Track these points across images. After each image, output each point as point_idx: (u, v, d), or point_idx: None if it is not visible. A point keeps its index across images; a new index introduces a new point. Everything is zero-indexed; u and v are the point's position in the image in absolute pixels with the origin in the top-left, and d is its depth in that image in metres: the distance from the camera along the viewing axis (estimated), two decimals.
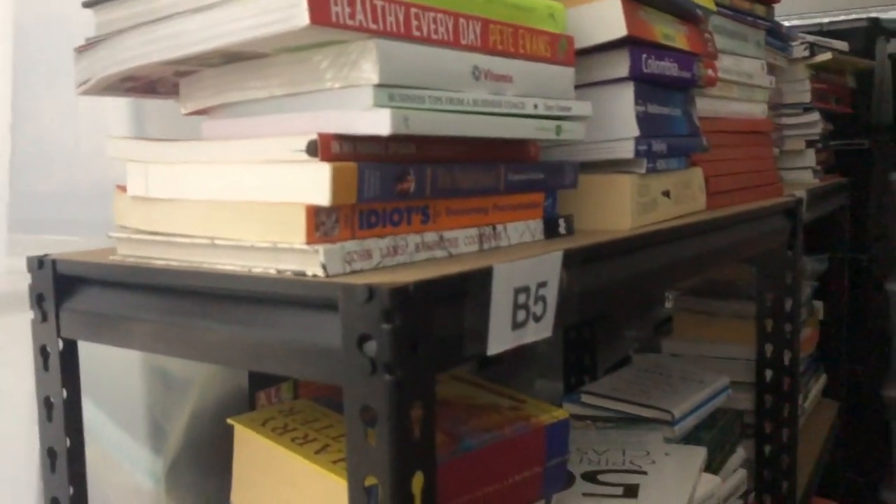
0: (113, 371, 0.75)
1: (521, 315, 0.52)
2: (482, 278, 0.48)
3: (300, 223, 0.47)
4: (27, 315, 0.64)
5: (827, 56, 1.57)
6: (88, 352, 0.64)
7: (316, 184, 0.46)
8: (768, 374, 1.16)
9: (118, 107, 0.76)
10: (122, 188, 0.58)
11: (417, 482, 0.44)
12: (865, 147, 2.24)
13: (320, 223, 0.47)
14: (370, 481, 0.43)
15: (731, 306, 1.33)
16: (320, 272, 0.46)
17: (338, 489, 0.53)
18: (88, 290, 0.58)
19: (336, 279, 0.46)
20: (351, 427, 0.44)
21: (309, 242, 0.46)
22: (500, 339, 0.50)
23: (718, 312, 1.34)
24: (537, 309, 0.54)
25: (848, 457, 2.13)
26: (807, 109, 1.57)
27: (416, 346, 0.43)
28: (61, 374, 0.60)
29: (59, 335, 0.59)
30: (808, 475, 1.44)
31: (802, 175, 1.59)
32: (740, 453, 1.12)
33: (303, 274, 0.47)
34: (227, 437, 0.78)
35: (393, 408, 0.42)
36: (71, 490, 0.61)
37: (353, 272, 0.48)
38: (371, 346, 0.43)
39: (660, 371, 1.16)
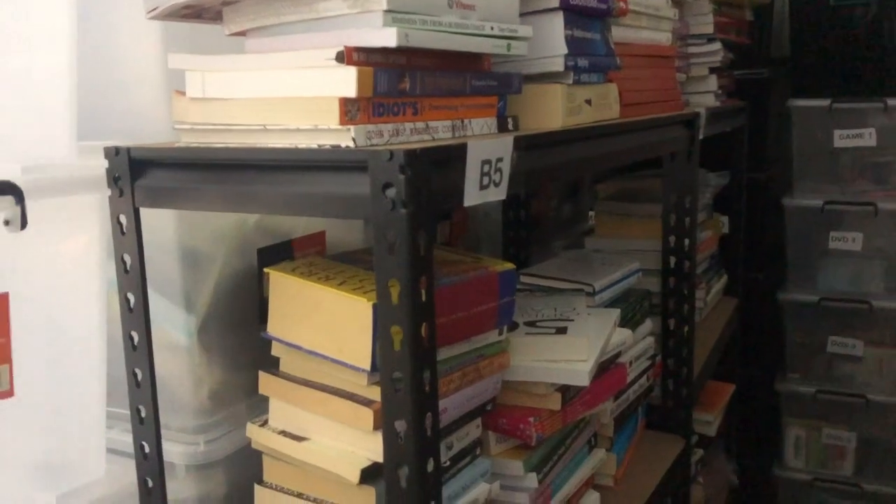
0: (153, 252, 0.92)
1: (486, 180, 0.73)
2: (461, 150, 0.69)
3: (334, 110, 0.66)
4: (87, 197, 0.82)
5: None
6: None
7: (345, 82, 0.66)
8: (672, 259, 1.41)
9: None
10: (181, 93, 0.76)
11: (423, 283, 0.65)
12: (765, 76, 2.49)
13: (348, 110, 0.67)
14: (392, 283, 0.64)
15: (643, 208, 1.57)
16: (351, 144, 0.66)
17: (360, 306, 0.74)
18: (159, 171, 0.77)
19: (363, 148, 0.66)
20: (378, 247, 0.64)
21: (342, 124, 0.66)
22: (472, 195, 0.71)
23: (632, 213, 1.59)
24: (496, 177, 0.75)
25: (748, 350, 2.43)
26: (710, 40, 1.79)
27: (420, 191, 0.64)
28: (135, 237, 0.78)
29: (133, 205, 0.78)
30: (707, 352, 1.72)
31: (705, 98, 1.82)
32: (648, 324, 1.37)
33: (338, 146, 0.67)
34: (244, 302, 0.98)
35: (407, 232, 0.63)
36: (144, 327, 0.81)
37: (372, 145, 0.68)
38: (392, 191, 0.63)
39: (583, 260, 1.40)
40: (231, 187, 0.72)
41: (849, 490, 2.36)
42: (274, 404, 0.84)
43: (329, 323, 0.77)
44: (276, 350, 0.84)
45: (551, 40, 0.90)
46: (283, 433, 0.82)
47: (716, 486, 2.15)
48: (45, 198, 0.78)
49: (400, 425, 0.66)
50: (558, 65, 0.90)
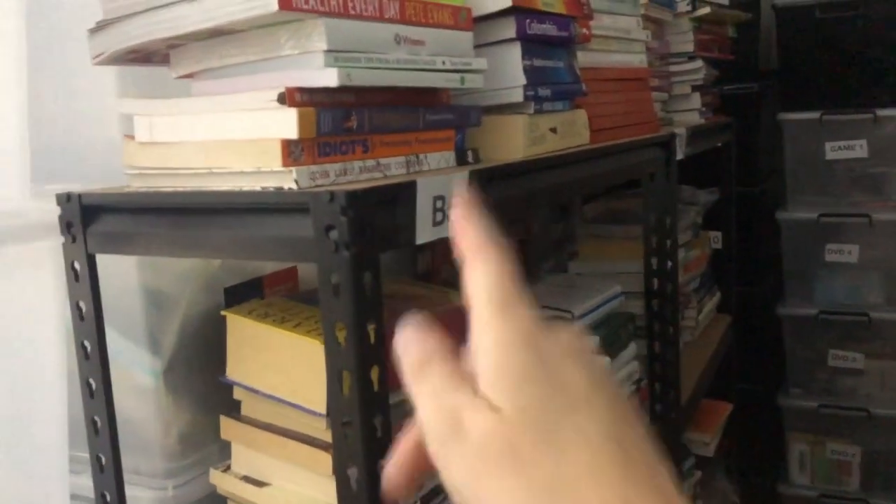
0: (116, 293, 0.92)
1: (439, 216, 0.72)
2: (410, 188, 0.68)
3: (276, 152, 0.65)
4: (42, 244, 0.81)
5: (706, 9, 1.79)
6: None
7: (286, 123, 0.65)
8: (654, 282, 1.39)
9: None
10: (130, 137, 0.75)
11: (372, 329, 0.64)
12: (755, 90, 2.49)
13: (291, 152, 0.66)
14: (339, 327, 0.63)
15: (625, 230, 1.56)
16: (294, 186, 0.65)
17: (313, 348, 0.72)
18: (109, 216, 0.76)
19: (306, 190, 0.65)
20: (323, 291, 0.63)
21: (284, 165, 0.65)
22: (424, 232, 0.70)
23: (615, 235, 1.57)
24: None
25: (747, 367, 2.41)
26: (691, 58, 1.79)
27: (364, 232, 0.63)
28: (89, 284, 0.78)
29: (86, 252, 0.77)
30: (700, 372, 1.70)
31: (689, 116, 1.81)
32: (632, 348, 1.35)
33: (281, 188, 0.66)
34: (210, 342, 0.97)
35: (352, 275, 0.62)
36: (101, 374, 0.80)
37: (317, 186, 0.67)
38: (334, 233, 0.62)
39: (565, 285, 1.38)
40: (181, 232, 0.71)
41: None
42: (236, 449, 0.83)
43: (284, 365, 0.76)
44: (237, 393, 0.83)
45: (509, 71, 0.89)
46: (246, 479, 0.81)
47: None
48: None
49: (352, 472, 0.64)
50: (517, 95, 0.89)
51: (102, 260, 0.79)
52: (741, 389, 2.34)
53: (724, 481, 2.25)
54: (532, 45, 0.91)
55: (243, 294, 0.98)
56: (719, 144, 2.05)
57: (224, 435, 0.84)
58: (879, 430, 2.32)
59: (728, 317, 2.17)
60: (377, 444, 0.64)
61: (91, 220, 0.77)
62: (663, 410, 1.42)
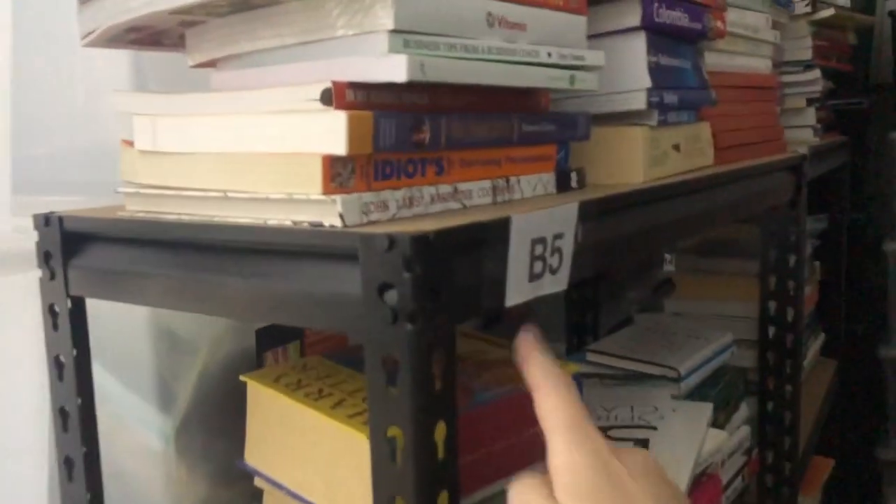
0: (119, 332, 0.74)
1: (538, 266, 0.52)
2: (500, 228, 0.48)
3: (316, 173, 0.46)
4: (35, 273, 0.63)
5: (829, 12, 1.55)
6: (94, 312, 0.63)
7: (332, 133, 0.45)
8: (771, 330, 1.16)
9: (117, 65, 0.74)
10: (129, 143, 0.57)
11: (440, 431, 0.44)
12: (864, 106, 2.23)
13: (336, 173, 0.46)
14: (393, 432, 0.43)
15: (732, 264, 1.33)
16: (338, 222, 0.45)
17: (357, 442, 0.53)
18: (97, 247, 0.57)
19: (354, 229, 0.45)
20: (372, 377, 0.43)
21: (326, 193, 0.46)
22: (518, 291, 0.50)
23: (720, 271, 1.34)
24: (553, 261, 0.53)
25: (844, 416, 2.16)
26: (808, 67, 1.55)
27: (437, 295, 0.43)
28: (71, 332, 0.59)
29: (67, 293, 0.59)
30: (807, 434, 1.46)
31: (803, 133, 1.57)
32: (744, 410, 1.13)
33: (320, 225, 0.46)
34: (235, 397, 0.78)
35: (415, 357, 0.42)
36: (84, 450, 0.61)
37: (370, 223, 0.47)
38: (392, 295, 0.42)
39: (663, 329, 1.16)
40: (186, 276, 0.52)
41: None
42: None
43: (319, 458, 0.56)
44: (259, 481, 0.64)
45: (630, 70, 0.68)
46: None
47: None
48: None
49: None
50: (639, 101, 0.68)
51: None
52: (841, 440, 2.09)
53: None
54: (658, 37, 0.70)
55: (279, 338, 0.79)
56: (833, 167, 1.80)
57: None
58: None
59: (833, 361, 1.91)
60: None
61: (75, 251, 0.58)
62: (775, 483, 1.18)
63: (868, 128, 2.31)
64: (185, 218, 0.52)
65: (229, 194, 0.50)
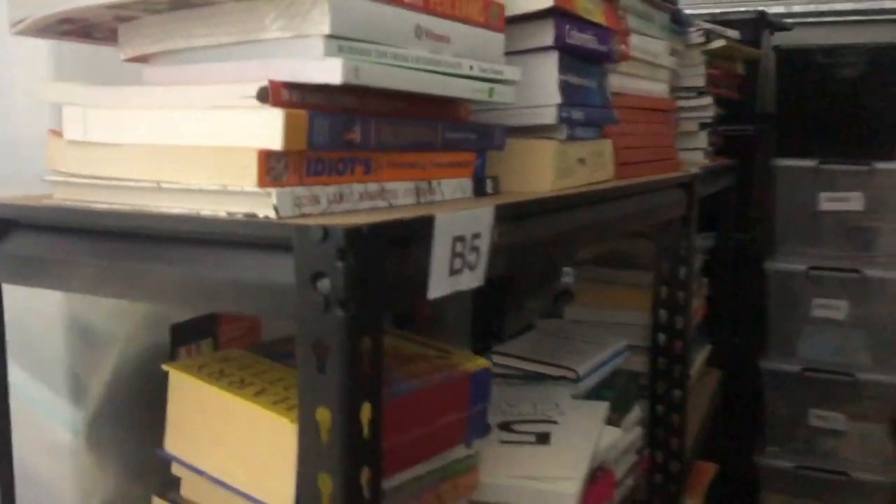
0: (32, 325, 0.74)
1: (458, 263, 0.55)
2: (425, 226, 0.51)
3: (252, 167, 0.48)
4: None
5: (721, 42, 1.66)
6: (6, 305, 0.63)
7: (268, 129, 0.48)
8: (662, 337, 1.24)
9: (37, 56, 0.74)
10: (57, 133, 0.57)
11: (366, 412, 0.46)
12: (750, 133, 2.39)
13: (271, 168, 0.49)
14: (322, 413, 0.46)
15: (628, 275, 1.41)
16: (272, 214, 0.48)
17: (280, 427, 0.55)
18: (22, 235, 0.58)
19: (288, 221, 0.47)
20: (303, 361, 0.46)
21: (261, 185, 0.48)
22: (439, 284, 0.53)
23: (616, 281, 1.42)
24: (472, 258, 0.57)
25: (727, 423, 2.29)
26: (701, 93, 1.66)
27: (366, 285, 0.46)
28: None
29: None
30: (693, 437, 1.55)
31: (695, 155, 1.67)
32: (636, 412, 1.19)
33: (254, 216, 0.48)
34: (149, 391, 0.79)
35: (345, 342, 0.45)
36: None
37: (302, 215, 0.50)
38: (325, 284, 0.45)
39: (563, 335, 1.22)
40: (115, 264, 0.53)
41: None
42: None
43: (241, 444, 0.58)
44: (177, 470, 0.65)
45: (543, 86, 0.73)
46: None
47: None
48: None
49: None
50: (550, 116, 0.73)
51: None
52: (723, 447, 2.21)
53: None
54: (569, 57, 0.75)
55: (193, 334, 0.80)
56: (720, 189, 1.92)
57: None
58: (859, 496, 2.22)
59: (718, 371, 2.03)
60: None
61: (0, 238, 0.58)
62: (664, 481, 1.26)
63: (754, 153, 2.46)
64: (118, 207, 0.53)
65: (163, 185, 0.51)
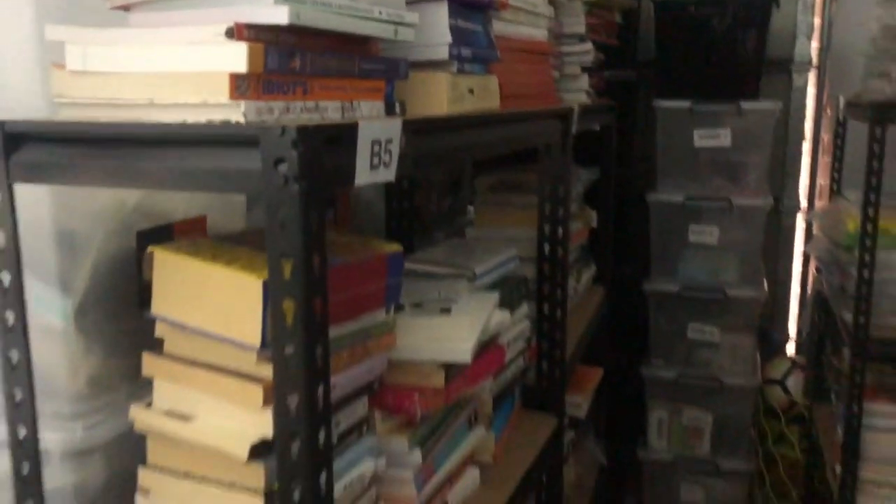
0: (27, 233, 0.89)
1: (376, 160, 0.75)
2: (352, 130, 0.71)
3: (224, 86, 0.66)
4: None
5: None
6: None
7: (236, 57, 0.66)
8: (546, 247, 1.47)
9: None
10: (59, 65, 0.74)
11: (317, 259, 0.66)
12: (633, 78, 2.63)
13: (238, 86, 0.67)
14: (286, 260, 0.65)
15: (520, 198, 1.63)
16: (242, 119, 0.66)
17: (249, 284, 0.74)
18: (36, 146, 0.74)
19: (253, 124, 0.66)
20: (270, 223, 0.65)
21: (232, 98, 0.66)
22: (363, 175, 0.73)
23: (510, 203, 1.64)
24: (386, 158, 0.77)
25: (616, 338, 2.56)
26: (582, 40, 1.88)
27: (313, 167, 0.65)
28: (10, 214, 0.76)
29: (7, 181, 0.75)
30: (576, 340, 1.80)
31: (577, 96, 1.90)
32: (525, 308, 1.42)
33: (228, 121, 0.67)
34: (121, 285, 0.96)
35: (301, 208, 0.64)
36: (19, 308, 0.78)
37: (262, 122, 0.68)
38: (284, 166, 0.64)
39: (465, 247, 1.44)
40: (115, 162, 0.71)
41: (706, 469, 2.52)
42: (159, 385, 0.83)
43: (217, 301, 0.77)
44: (160, 331, 0.83)
45: (436, 29, 0.93)
46: (169, 413, 0.82)
47: (585, 467, 2.25)
48: None
49: (292, 399, 0.67)
50: (443, 53, 0.93)
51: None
52: (611, 358, 2.47)
53: (593, 443, 2.39)
54: (457, 5, 0.95)
55: (155, 238, 0.97)
56: (601, 126, 2.15)
57: (146, 371, 0.84)
58: (729, 399, 2.51)
59: (603, 289, 2.30)
60: (317, 372, 0.67)
61: (14, 150, 0.75)
62: (549, 368, 1.50)
63: (636, 96, 2.71)
64: (118, 119, 0.71)
65: (155, 101, 0.69)
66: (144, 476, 0.84)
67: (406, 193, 1.72)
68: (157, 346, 0.85)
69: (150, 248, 0.82)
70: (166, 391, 0.83)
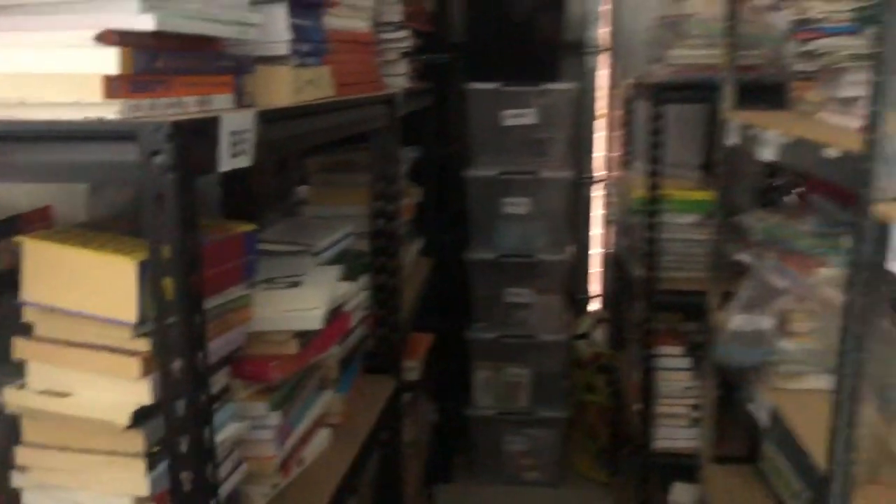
0: None
1: (236, 149, 0.84)
2: (214, 123, 0.79)
3: (98, 86, 0.73)
4: None
5: None
6: None
7: (108, 61, 0.73)
8: (380, 222, 1.60)
9: None
10: None
11: (191, 241, 0.75)
12: (446, 61, 2.79)
13: (110, 86, 0.74)
14: (165, 248, 0.73)
15: (353, 178, 1.75)
16: (115, 116, 0.73)
17: (124, 266, 0.81)
18: None
19: (128, 120, 0.74)
20: (149, 209, 0.73)
21: (106, 98, 0.73)
22: (226, 162, 0.82)
23: (344, 183, 1.75)
24: (244, 147, 0.86)
25: (443, 305, 2.73)
26: (399, 27, 2.00)
27: (186, 157, 0.74)
28: None
29: None
30: (409, 309, 1.95)
31: (398, 80, 2.02)
32: (363, 282, 1.54)
33: (103, 119, 0.74)
34: None
35: (176, 193, 0.73)
36: None
37: (133, 118, 0.76)
38: (160, 158, 0.72)
39: (303, 226, 1.54)
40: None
41: (525, 419, 2.77)
42: (33, 367, 0.88)
43: (92, 284, 0.83)
44: (29, 316, 0.88)
45: (277, 27, 1.02)
46: (45, 392, 0.87)
47: (420, 425, 2.42)
48: None
49: (176, 364, 0.75)
50: (284, 49, 1.03)
51: None
52: (439, 324, 2.64)
53: (426, 403, 2.56)
54: (296, 5, 1.05)
55: (2, 230, 1.00)
56: (420, 108, 2.30)
57: (18, 355, 0.88)
58: (544, 354, 2.77)
59: (430, 260, 2.46)
60: (197, 338, 0.76)
61: None
62: (387, 334, 1.64)
63: (450, 79, 2.88)
64: None
65: (26, 100, 0.75)
66: (22, 455, 0.89)
67: (239, 176, 1.78)
68: (22, 331, 0.89)
69: (14, 238, 0.86)
70: (41, 373, 0.87)
